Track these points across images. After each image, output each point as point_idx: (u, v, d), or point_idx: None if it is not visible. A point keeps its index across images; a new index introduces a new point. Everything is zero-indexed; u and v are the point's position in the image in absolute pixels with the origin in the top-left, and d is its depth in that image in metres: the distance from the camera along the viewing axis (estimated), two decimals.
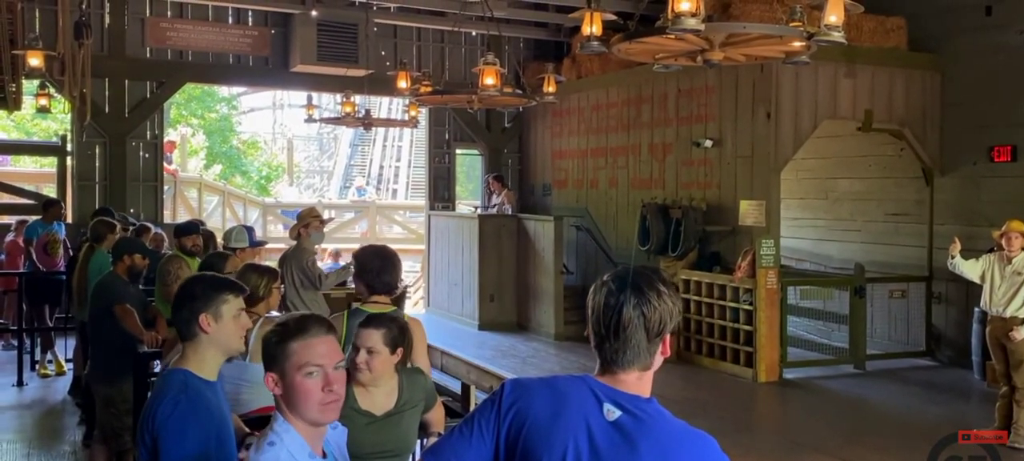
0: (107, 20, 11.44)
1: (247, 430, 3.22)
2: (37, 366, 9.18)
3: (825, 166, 11.10)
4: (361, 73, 11.68)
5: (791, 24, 5.10)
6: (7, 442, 6.96)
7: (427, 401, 3.40)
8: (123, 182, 11.54)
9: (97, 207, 10.05)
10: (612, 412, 1.82)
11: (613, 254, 11.70)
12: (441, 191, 13.82)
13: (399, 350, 3.17)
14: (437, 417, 3.53)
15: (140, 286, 6.07)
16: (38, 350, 9.34)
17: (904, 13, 9.82)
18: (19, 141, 20.29)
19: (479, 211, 13.55)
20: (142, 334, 5.39)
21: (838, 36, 4.84)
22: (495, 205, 12.99)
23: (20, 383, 8.60)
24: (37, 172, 18.15)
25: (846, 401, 8.60)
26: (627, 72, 10.92)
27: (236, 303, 2.62)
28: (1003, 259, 6.73)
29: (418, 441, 3.41)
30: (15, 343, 9.28)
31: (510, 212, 12.67)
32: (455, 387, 10.07)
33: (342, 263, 11.51)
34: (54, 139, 15.18)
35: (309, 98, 11.96)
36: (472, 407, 4.91)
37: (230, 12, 12.12)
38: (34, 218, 10.11)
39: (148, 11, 11.72)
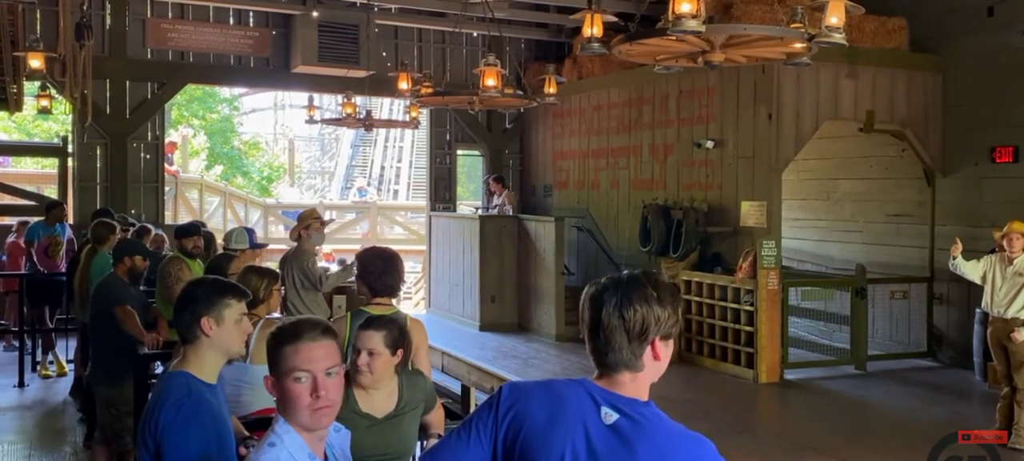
0: (108, 21, 11.44)
1: (246, 433, 3.22)
2: (38, 367, 9.18)
3: (826, 167, 11.10)
4: (362, 74, 11.69)
5: (792, 25, 5.10)
6: (8, 443, 6.96)
7: (427, 403, 3.41)
8: (124, 183, 11.55)
9: (98, 208, 10.04)
10: (610, 415, 1.82)
11: (614, 255, 11.70)
12: (442, 192, 13.82)
13: (399, 351, 3.17)
14: (437, 419, 3.53)
15: (141, 287, 6.07)
16: (39, 351, 9.34)
17: (905, 14, 9.81)
18: (20, 142, 20.30)
19: (480, 212, 13.55)
20: (143, 335, 5.39)
21: (839, 37, 4.83)
22: (496, 206, 12.99)
23: (21, 384, 8.60)
24: (38, 173, 18.18)
25: (847, 402, 8.59)
26: (628, 73, 10.92)
27: (238, 307, 2.62)
28: (1004, 260, 6.72)
29: (418, 443, 3.40)
30: (16, 344, 9.28)
31: (511, 213, 12.67)
32: (456, 388, 10.07)
33: (335, 263, 11.51)
34: (55, 140, 15.22)
35: (310, 99, 11.96)
36: (472, 409, 4.91)
37: (231, 13, 12.13)
38: (36, 220, 10.11)
39: (149, 12, 11.73)
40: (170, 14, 11.87)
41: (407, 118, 12.02)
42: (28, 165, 19.58)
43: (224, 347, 2.60)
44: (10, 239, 10.47)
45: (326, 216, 9.64)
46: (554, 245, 11.52)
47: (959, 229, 8.78)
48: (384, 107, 22.09)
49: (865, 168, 10.69)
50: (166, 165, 13.51)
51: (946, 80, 9.87)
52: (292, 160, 28.93)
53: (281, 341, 2.16)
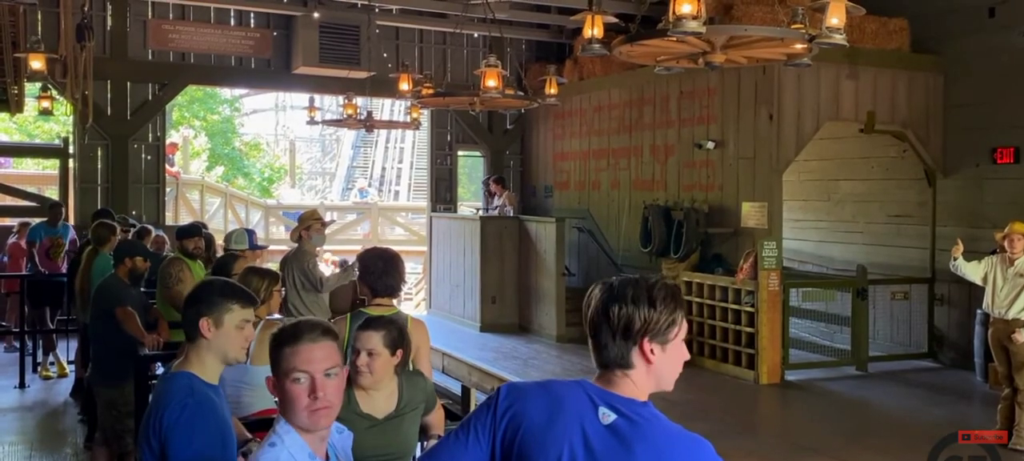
0: (109, 22, 11.45)
1: (248, 435, 3.22)
2: (39, 368, 9.18)
3: (827, 168, 11.09)
4: (363, 75, 11.69)
5: (793, 26, 5.09)
6: (9, 444, 6.97)
7: (427, 403, 3.41)
8: (125, 184, 11.55)
9: (98, 209, 10.04)
10: (607, 416, 1.82)
11: (615, 256, 11.70)
12: (443, 193, 13.82)
13: (399, 352, 3.17)
14: (437, 419, 3.53)
15: (142, 288, 6.07)
16: (40, 352, 9.35)
17: (906, 14, 9.81)
18: (21, 143, 20.32)
19: (480, 213, 13.55)
20: (143, 336, 5.39)
21: (840, 38, 4.83)
22: (497, 207, 12.99)
23: (22, 385, 8.61)
24: (39, 174, 18.20)
25: (848, 403, 8.59)
26: (629, 74, 10.92)
27: (241, 313, 2.62)
28: (1005, 261, 6.72)
29: (418, 444, 3.40)
30: (17, 345, 9.29)
31: (512, 214, 12.67)
32: (456, 389, 10.07)
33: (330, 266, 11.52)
34: (56, 141, 15.21)
35: (311, 100, 11.95)
36: (473, 410, 4.90)
37: (232, 14, 12.14)
38: (38, 221, 10.12)
39: (150, 13, 11.73)
40: (171, 15, 11.88)
41: (408, 119, 12.02)
42: (29, 166, 19.60)
43: (221, 350, 2.60)
44: (11, 240, 10.48)
45: (327, 217, 9.64)
46: (555, 246, 11.51)
47: (960, 230, 8.77)
48: (385, 108, 22.09)
49: (866, 169, 10.69)
50: (167, 166, 13.51)
51: (947, 81, 9.86)
52: (293, 161, 28.93)
53: (281, 342, 2.17)
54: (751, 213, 9.36)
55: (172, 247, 8.08)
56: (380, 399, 3.18)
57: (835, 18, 4.78)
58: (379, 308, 3.86)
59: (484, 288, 12.14)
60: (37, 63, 7.13)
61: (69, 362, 9.06)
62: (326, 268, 10.10)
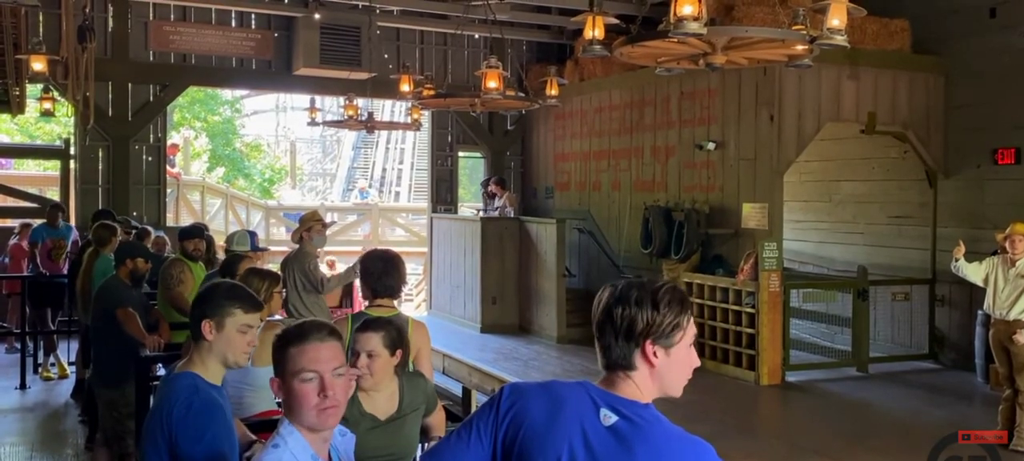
0: (110, 24, 11.46)
1: (253, 437, 3.22)
2: (40, 369, 9.19)
3: (828, 168, 11.09)
4: (364, 76, 11.69)
5: (794, 27, 5.10)
6: (10, 445, 6.97)
7: (428, 405, 3.41)
8: (126, 185, 11.56)
9: (98, 210, 10.05)
10: (608, 417, 1.83)
11: (615, 257, 11.70)
12: (443, 194, 13.83)
13: (398, 352, 3.18)
14: (438, 421, 3.53)
15: (143, 290, 6.07)
16: (41, 353, 9.36)
17: (908, 15, 9.80)
18: (22, 145, 20.35)
19: (481, 214, 13.55)
20: (144, 338, 5.39)
21: (841, 40, 4.83)
22: (497, 208, 12.99)
23: (23, 386, 8.62)
24: (40, 175, 18.21)
25: (849, 404, 8.58)
26: (629, 75, 10.92)
27: (244, 318, 2.62)
28: (1007, 262, 6.71)
29: (419, 445, 3.40)
30: (18, 346, 9.29)
31: (512, 215, 12.67)
32: (457, 390, 10.07)
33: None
34: (57, 142, 15.23)
35: (312, 101, 11.96)
36: (473, 411, 4.91)
37: (233, 15, 12.14)
38: (39, 222, 10.13)
39: (151, 15, 11.74)
40: (172, 16, 11.89)
41: (409, 120, 12.02)
42: (30, 167, 19.62)
43: (221, 353, 2.60)
44: (13, 241, 10.48)
45: (327, 218, 9.65)
46: (555, 247, 11.51)
47: (961, 231, 8.77)
48: (386, 109, 22.11)
49: (867, 170, 10.68)
50: (168, 167, 13.51)
51: (948, 82, 9.86)
52: (294, 162, 28.95)
53: (287, 342, 2.17)
54: (752, 214, 9.35)
55: (173, 248, 8.09)
56: (381, 400, 3.19)
57: (836, 19, 4.78)
58: (380, 309, 3.87)
59: (485, 289, 12.13)
60: (38, 64, 7.13)
61: (70, 363, 9.07)
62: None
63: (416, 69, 11.73)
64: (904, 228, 10.28)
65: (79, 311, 7.40)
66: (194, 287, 6.04)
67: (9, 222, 12.16)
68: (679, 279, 9.71)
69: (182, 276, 6.23)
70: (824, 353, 9.94)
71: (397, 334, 3.18)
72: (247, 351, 2.64)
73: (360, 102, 11.32)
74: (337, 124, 13.26)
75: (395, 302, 4.01)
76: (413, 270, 17.34)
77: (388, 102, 19.22)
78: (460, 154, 14.32)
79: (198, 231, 6.86)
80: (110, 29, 11.44)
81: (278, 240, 17.56)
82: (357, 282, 5.21)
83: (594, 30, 5.17)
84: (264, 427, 3.25)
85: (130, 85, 11.61)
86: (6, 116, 16.81)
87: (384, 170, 27.03)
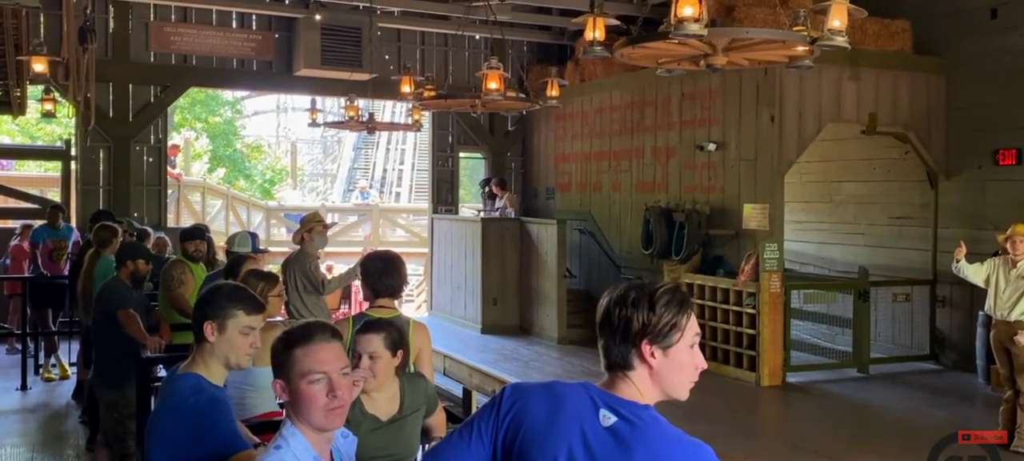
0: (111, 25, 11.47)
1: (257, 440, 3.22)
2: (41, 370, 9.20)
3: (829, 169, 11.09)
4: (365, 77, 11.70)
5: (795, 28, 5.09)
6: (11, 446, 6.97)
7: (429, 406, 3.41)
8: (127, 186, 11.57)
9: (97, 211, 10.04)
10: (608, 417, 1.83)
11: (616, 258, 11.70)
12: (444, 194, 13.83)
13: (399, 353, 3.18)
14: (439, 422, 3.53)
15: (144, 291, 6.07)
16: (42, 354, 9.36)
17: (909, 16, 9.80)
18: (23, 146, 20.36)
19: (481, 215, 13.56)
20: (145, 339, 5.39)
21: (841, 41, 4.82)
22: (498, 209, 13.00)
23: (24, 387, 8.62)
24: (41, 176, 18.22)
25: (849, 405, 8.57)
26: (630, 75, 10.92)
27: (246, 319, 2.62)
28: (1008, 263, 6.71)
29: (420, 446, 3.40)
30: (19, 347, 9.29)
31: (513, 216, 12.68)
32: (457, 391, 10.07)
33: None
34: (58, 143, 15.22)
35: (313, 102, 11.97)
36: (474, 412, 4.91)
37: (234, 16, 12.15)
38: (40, 222, 10.13)
39: (152, 16, 11.75)
40: (173, 18, 11.90)
41: (409, 121, 12.03)
42: (31, 168, 19.64)
43: (223, 355, 2.60)
44: (14, 242, 10.49)
45: (328, 219, 9.64)
46: (556, 248, 11.51)
47: (962, 232, 8.77)
48: (387, 110, 22.12)
49: (868, 170, 10.68)
50: (169, 168, 13.52)
51: (949, 82, 9.86)
52: (294, 163, 28.96)
53: (292, 344, 2.17)
54: (752, 215, 9.35)
55: (174, 250, 8.09)
56: (383, 401, 3.19)
57: (837, 20, 4.77)
58: (380, 310, 3.87)
59: (485, 290, 12.14)
60: (40, 66, 7.13)
61: (71, 364, 9.07)
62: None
63: (417, 70, 11.74)
64: (905, 229, 10.28)
65: (80, 312, 7.40)
66: (195, 288, 6.04)
67: (10, 223, 12.17)
68: (680, 280, 9.71)
69: (183, 277, 6.23)
70: (825, 354, 9.94)
71: (398, 335, 3.18)
72: (249, 353, 2.64)
73: (361, 103, 11.32)
74: (338, 125, 13.26)
75: (396, 303, 4.01)
76: (414, 271, 17.34)
77: (389, 103, 19.22)
78: (461, 155, 14.33)
79: (199, 232, 6.86)
80: (111, 30, 11.46)
81: (279, 241, 17.56)
82: (357, 283, 5.21)
83: (595, 31, 5.17)
84: (265, 428, 3.25)
85: (131, 86, 11.63)
86: (7, 117, 16.83)
87: (385, 171, 27.04)
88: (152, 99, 11.80)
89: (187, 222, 14.11)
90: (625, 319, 1.84)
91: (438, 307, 13.45)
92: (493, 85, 7.16)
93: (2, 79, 9.33)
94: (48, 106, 10.06)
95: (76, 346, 8.70)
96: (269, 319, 4.18)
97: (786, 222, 9.87)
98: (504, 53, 11.04)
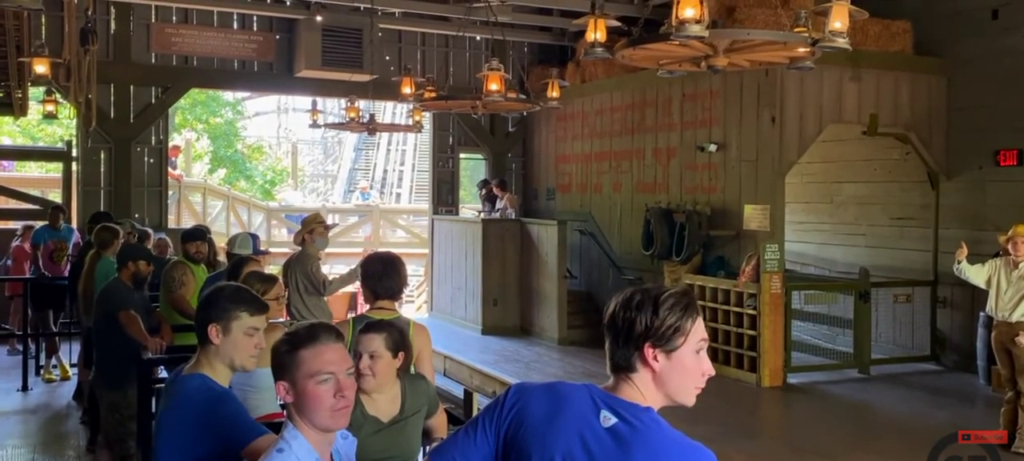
0: (113, 26, 11.48)
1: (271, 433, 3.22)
2: (42, 371, 9.20)
3: (830, 170, 11.09)
4: (365, 78, 11.71)
5: (796, 30, 5.10)
6: (12, 447, 6.98)
7: (430, 407, 3.41)
8: (128, 187, 11.57)
9: (97, 212, 10.05)
10: (608, 419, 1.84)
11: (617, 259, 11.70)
12: (445, 195, 13.83)
13: (400, 354, 3.18)
14: (440, 423, 3.53)
15: (145, 292, 6.07)
16: (43, 355, 9.36)
17: (910, 17, 9.81)
18: (25, 147, 20.36)
19: (483, 216, 13.56)
20: (146, 340, 5.39)
21: (842, 42, 4.83)
22: (498, 209, 13.00)
23: (25, 388, 8.63)
24: (42, 177, 18.23)
25: (850, 406, 8.58)
26: (631, 76, 10.92)
27: (250, 320, 2.62)
28: (1009, 264, 6.71)
29: (421, 448, 3.40)
30: (20, 348, 9.30)
31: (513, 216, 12.68)
32: (458, 392, 10.06)
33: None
34: (59, 145, 15.24)
35: (314, 103, 11.97)
36: (474, 414, 4.91)
37: (235, 18, 12.16)
38: (41, 224, 10.14)
39: (153, 17, 11.75)
40: (174, 19, 11.91)
41: (410, 122, 12.03)
42: (32, 169, 19.64)
43: (228, 357, 2.61)
44: (15, 243, 10.50)
45: (329, 219, 9.65)
46: (557, 248, 11.51)
47: (963, 232, 8.77)
48: (387, 111, 22.12)
49: (868, 171, 10.68)
50: (169, 169, 13.53)
51: (950, 83, 9.86)
52: (295, 164, 28.94)
53: (297, 345, 2.17)
54: (753, 216, 9.35)
55: (175, 251, 8.09)
56: (384, 402, 3.19)
57: (838, 21, 4.78)
58: (381, 311, 3.87)
59: (486, 291, 12.14)
60: (41, 67, 7.14)
61: (72, 365, 9.07)
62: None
63: (417, 71, 11.74)
64: (906, 230, 10.28)
65: (81, 313, 7.40)
66: (196, 289, 6.04)
67: (11, 224, 12.17)
68: (680, 281, 9.71)
69: (184, 278, 6.23)
70: (826, 355, 9.94)
71: (400, 337, 3.18)
72: (254, 354, 2.64)
73: (362, 104, 11.33)
74: (339, 126, 13.29)
75: (396, 304, 4.02)
76: (414, 272, 17.32)
77: (390, 104, 19.21)
78: (461, 156, 14.33)
79: (200, 233, 6.86)
80: (112, 31, 11.46)
81: (280, 242, 17.56)
82: (358, 284, 5.21)
83: (596, 32, 5.18)
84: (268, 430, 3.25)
85: (132, 87, 11.63)
86: (8, 119, 16.84)
87: (385, 172, 27.02)
88: (153, 100, 11.81)
89: (188, 223, 14.10)
90: (629, 321, 1.85)
91: (438, 308, 13.45)
92: (494, 86, 7.17)
93: (4, 80, 9.34)
94: (49, 107, 10.07)
95: (77, 347, 8.70)
96: (271, 321, 4.18)
97: (787, 223, 9.87)
98: (505, 54, 11.03)
